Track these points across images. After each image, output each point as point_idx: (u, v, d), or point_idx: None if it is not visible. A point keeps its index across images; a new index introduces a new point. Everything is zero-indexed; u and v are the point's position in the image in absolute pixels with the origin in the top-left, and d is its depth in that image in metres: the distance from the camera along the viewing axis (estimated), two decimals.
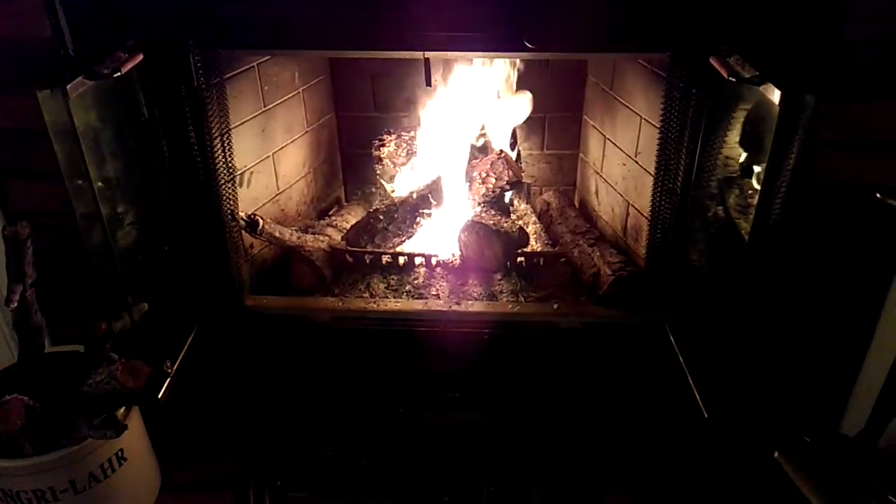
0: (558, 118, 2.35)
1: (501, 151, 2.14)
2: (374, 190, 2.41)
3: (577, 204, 2.43)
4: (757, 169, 1.73)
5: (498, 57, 2.00)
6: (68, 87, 1.28)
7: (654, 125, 1.82)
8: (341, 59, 2.25)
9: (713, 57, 1.35)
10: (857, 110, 1.47)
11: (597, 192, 2.27)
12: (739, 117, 1.57)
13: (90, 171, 1.39)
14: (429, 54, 1.56)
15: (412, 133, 2.26)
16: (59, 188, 1.58)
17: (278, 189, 2.13)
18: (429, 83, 1.58)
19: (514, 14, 1.48)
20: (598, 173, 2.24)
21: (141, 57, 1.43)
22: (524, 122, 2.29)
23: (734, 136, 1.59)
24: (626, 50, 1.61)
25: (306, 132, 2.22)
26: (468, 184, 2.15)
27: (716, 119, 1.55)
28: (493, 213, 2.06)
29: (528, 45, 1.51)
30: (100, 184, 1.47)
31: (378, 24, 1.49)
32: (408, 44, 1.52)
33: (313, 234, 2.08)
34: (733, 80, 1.27)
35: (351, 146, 2.45)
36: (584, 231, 2.12)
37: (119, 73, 1.34)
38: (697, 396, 1.60)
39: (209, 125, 1.61)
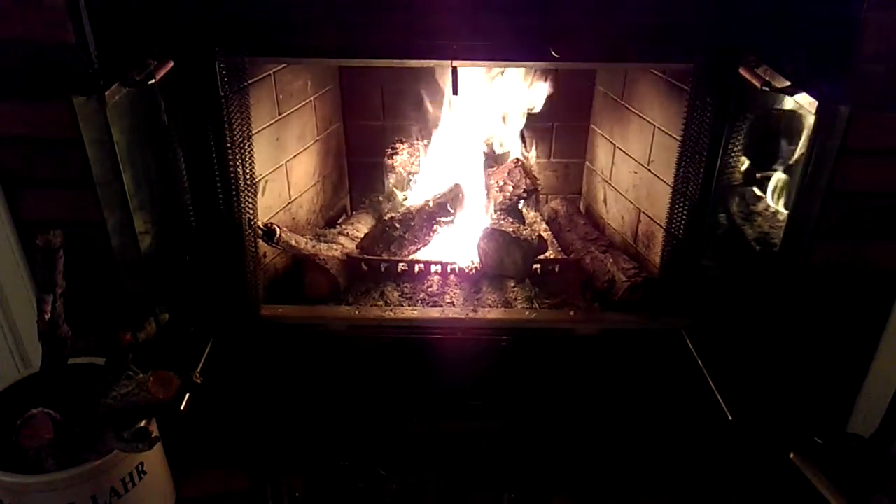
0: (565, 127, 2.37)
1: (518, 160, 2.15)
2: (380, 198, 2.40)
3: (582, 212, 2.45)
4: (758, 176, 1.78)
5: (524, 67, 2.02)
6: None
7: (668, 134, 1.86)
8: (351, 67, 2.24)
9: (743, 67, 1.38)
10: (874, 119, 1.51)
11: (605, 200, 2.29)
12: (745, 127, 1.61)
13: (125, 179, 1.36)
14: (455, 63, 1.57)
15: (425, 141, 2.26)
16: (73, 196, 1.56)
17: (290, 197, 2.12)
18: (456, 92, 1.59)
19: (541, 24, 1.50)
20: (606, 181, 2.26)
21: (171, 64, 1.41)
22: (532, 132, 2.31)
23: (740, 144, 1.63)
24: (650, 60, 1.64)
25: (317, 140, 2.21)
26: (486, 192, 2.15)
27: (733, 129, 1.59)
28: (510, 220, 2.07)
29: (554, 54, 1.53)
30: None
31: (406, 34, 1.50)
32: (437, 53, 1.53)
33: (326, 242, 2.07)
34: (766, 89, 1.30)
35: (357, 154, 2.44)
36: (595, 238, 2.15)
37: (153, 81, 1.31)
38: (720, 400, 1.63)
39: (232, 133, 1.60)
